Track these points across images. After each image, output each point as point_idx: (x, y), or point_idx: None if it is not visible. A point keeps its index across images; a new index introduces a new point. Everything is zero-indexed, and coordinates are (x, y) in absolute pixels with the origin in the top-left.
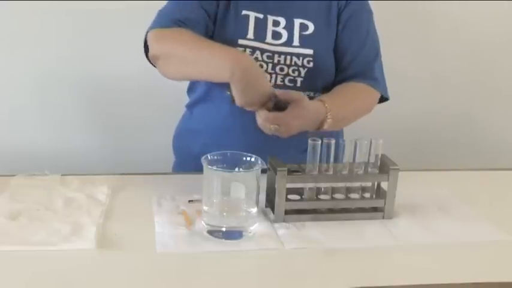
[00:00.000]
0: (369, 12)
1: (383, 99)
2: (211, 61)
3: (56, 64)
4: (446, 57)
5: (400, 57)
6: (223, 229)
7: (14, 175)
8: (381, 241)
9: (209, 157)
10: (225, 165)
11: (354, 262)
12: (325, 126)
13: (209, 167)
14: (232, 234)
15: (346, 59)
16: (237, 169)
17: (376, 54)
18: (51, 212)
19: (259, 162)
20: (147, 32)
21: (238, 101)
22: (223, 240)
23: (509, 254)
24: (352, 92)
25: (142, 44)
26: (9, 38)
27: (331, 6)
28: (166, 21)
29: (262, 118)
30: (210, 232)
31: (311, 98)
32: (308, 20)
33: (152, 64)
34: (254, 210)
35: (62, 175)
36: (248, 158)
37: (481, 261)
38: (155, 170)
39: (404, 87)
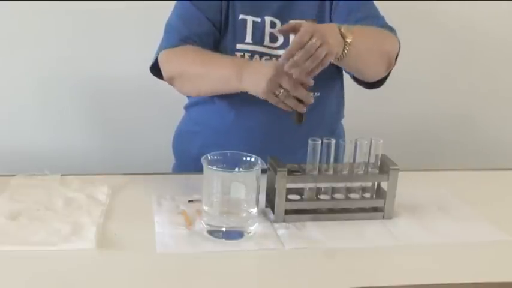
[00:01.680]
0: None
1: (380, 83)
2: (219, 73)
3: (56, 64)
4: (446, 57)
5: (400, 57)
6: (223, 229)
7: (14, 175)
8: (381, 241)
9: (209, 157)
10: (225, 165)
11: (354, 262)
12: (348, 38)
13: (209, 167)
14: (232, 234)
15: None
16: (237, 169)
17: (379, 15)
18: (51, 212)
19: (259, 162)
20: (158, 53)
21: (263, 93)
22: (223, 240)
23: (509, 254)
24: (363, 27)
25: (152, 62)
26: (9, 38)
27: (324, 7)
28: (174, 39)
29: (288, 61)
30: (210, 232)
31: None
32: (303, 20)
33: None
34: (254, 210)
35: (62, 175)
36: (248, 158)
37: (481, 261)
38: (155, 170)
39: (405, 88)
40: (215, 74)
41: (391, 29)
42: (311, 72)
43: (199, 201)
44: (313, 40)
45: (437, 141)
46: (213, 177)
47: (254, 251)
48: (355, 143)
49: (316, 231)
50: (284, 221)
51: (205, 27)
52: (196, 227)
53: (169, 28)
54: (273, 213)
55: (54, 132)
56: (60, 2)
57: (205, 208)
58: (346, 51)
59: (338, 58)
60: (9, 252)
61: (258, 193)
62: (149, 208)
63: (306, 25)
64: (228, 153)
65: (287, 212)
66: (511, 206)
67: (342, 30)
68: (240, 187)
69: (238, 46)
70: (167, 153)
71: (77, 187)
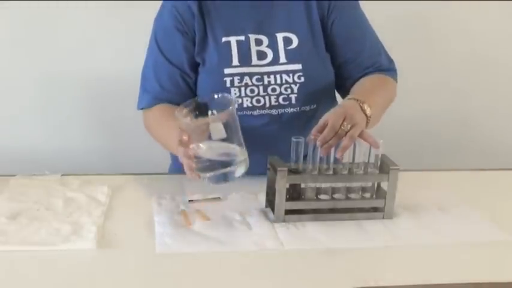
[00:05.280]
0: (356, 7)
1: None
2: (169, 146)
3: (56, 64)
4: (447, 58)
5: (400, 58)
6: (210, 174)
7: (14, 175)
8: (381, 241)
9: (183, 110)
10: (197, 113)
11: (354, 262)
12: (368, 111)
13: (184, 121)
14: (219, 178)
15: (350, 64)
16: (210, 112)
17: (379, 47)
18: (51, 212)
19: (232, 98)
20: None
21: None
22: (211, 184)
23: (509, 254)
24: (370, 82)
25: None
26: (9, 38)
27: (311, 12)
28: (148, 100)
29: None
30: (208, 179)
31: (307, 112)
32: (290, 32)
33: None
34: (237, 149)
35: (62, 175)
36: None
37: (481, 261)
38: (155, 170)
39: (405, 88)
40: (167, 146)
41: (392, 72)
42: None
43: (199, 201)
44: (345, 124)
45: (437, 141)
46: (191, 128)
47: (254, 251)
48: (355, 143)
49: (316, 231)
50: (284, 221)
51: (176, 79)
52: (196, 227)
53: (144, 81)
54: (273, 213)
55: (54, 132)
56: (60, 2)
57: (195, 159)
58: (368, 122)
59: None
60: (9, 252)
61: (238, 131)
62: (149, 208)
63: (335, 113)
64: (198, 100)
65: (287, 212)
66: (511, 206)
67: (363, 106)
68: (218, 126)
69: (226, 71)
70: (166, 153)
71: (77, 187)
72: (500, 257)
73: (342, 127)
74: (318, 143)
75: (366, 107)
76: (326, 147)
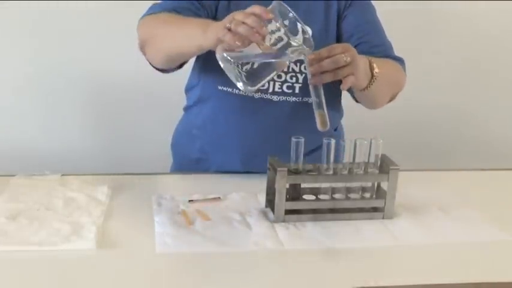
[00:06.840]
0: (373, 9)
1: None
2: (185, 31)
3: (56, 64)
4: (447, 57)
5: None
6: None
7: (14, 175)
8: (380, 241)
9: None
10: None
11: (354, 262)
12: (376, 70)
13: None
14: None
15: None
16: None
17: (390, 45)
18: (51, 212)
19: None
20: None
21: (218, 30)
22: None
23: (509, 254)
24: (380, 59)
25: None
26: (9, 38)
27: (330, 12)
28: (155, 10)
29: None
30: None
31: (309, 105)
32: (306, 24)
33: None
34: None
35: (62, 175)
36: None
37: (481, 261)
38: (155, 170)
39: (405, 88)
40: (182, 31)
41: (401, 62)
42: (323, 78)
43: (199, 201)
44: (343, 55)
45: (437, 141)
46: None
47: (254, 251)
48: (355, 143)
49: (316, 231)
50: (284, 221)
51: (189, 4)
52: (197, 227)
53: (151, 6)
54: (273, 213)
55: (54, 132)
56: (60, 2)
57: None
58: (373, 81)
59: (364, 88)
60: (9, 252)
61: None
62: (149, 208)
63: (341, 43)
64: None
65: (287, 212)
66: (511, 206)
67: (372, 64)
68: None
69: None
70: (167, 153)
71: (77, 187)
72: (500, 257)
73: (343, 56)
74: (311, 56)
75: (374, 65)
76: (316, 67)
